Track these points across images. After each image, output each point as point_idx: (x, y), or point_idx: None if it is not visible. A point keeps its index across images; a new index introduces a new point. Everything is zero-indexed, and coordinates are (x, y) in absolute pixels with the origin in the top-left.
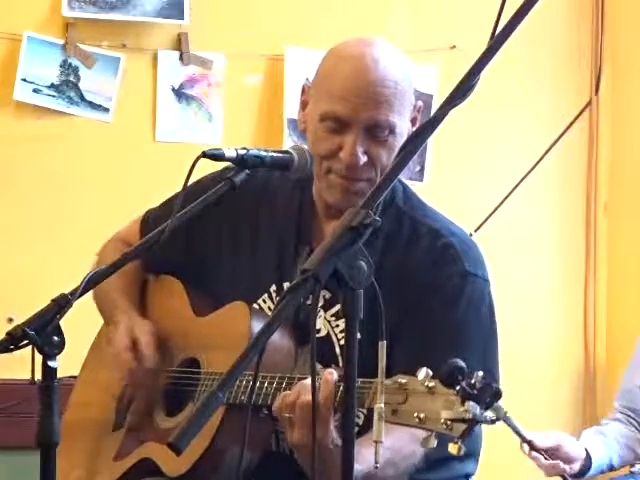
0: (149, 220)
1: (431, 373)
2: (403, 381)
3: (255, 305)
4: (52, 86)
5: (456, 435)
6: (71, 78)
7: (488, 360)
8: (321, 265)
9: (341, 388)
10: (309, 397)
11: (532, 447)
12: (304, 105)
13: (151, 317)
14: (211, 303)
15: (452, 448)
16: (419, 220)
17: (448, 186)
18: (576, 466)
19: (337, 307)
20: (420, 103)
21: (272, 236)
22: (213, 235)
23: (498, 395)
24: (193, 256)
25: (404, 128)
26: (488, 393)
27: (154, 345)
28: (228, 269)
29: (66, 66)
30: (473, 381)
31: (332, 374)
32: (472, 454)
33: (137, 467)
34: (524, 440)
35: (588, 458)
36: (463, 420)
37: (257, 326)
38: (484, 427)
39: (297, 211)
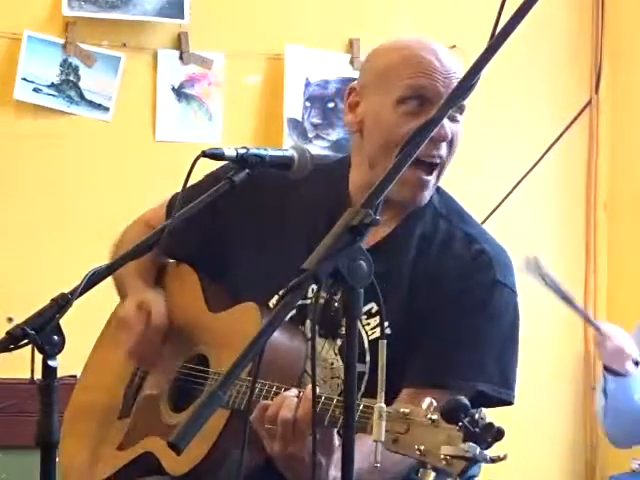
0: (173, 202)
1: (435, 404)
2: (406, 410)
3: (276, 297)
4: (52, 85)
5: (455, 472)
6: (71, 77)
7: (504, 368)
8: (321, 264)
9: (330, 412)
10: (290, 414)
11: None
12: (354, 106)
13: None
14: (228, 298)
15: None
16: (455, 224)
17: (448, 185)
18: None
19: (370, 305)
20: None
21: (300, 232)
22: (237, 231)
23: (500, 435)
24: (215, 251)
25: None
26: (490, 433)
27: (165, 314)
28: (250, 265)
29: (66, 65)
30: (476, 418)
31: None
32: None
33: (139, 460)
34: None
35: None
36: (463, 458)
37: None
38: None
39: (328, 209)
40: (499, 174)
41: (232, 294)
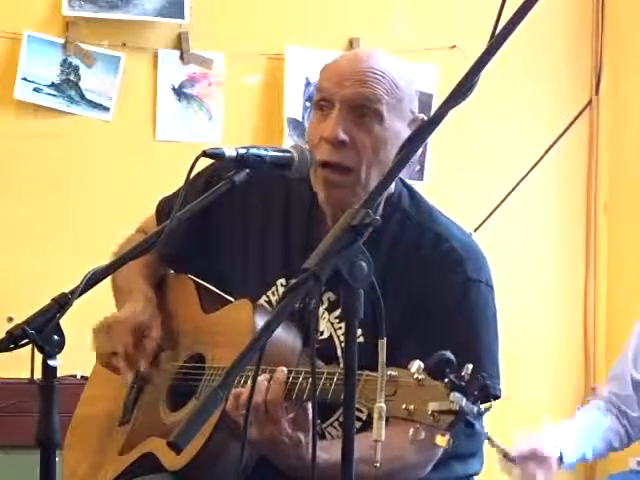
0: (162, 205)
1: (423, 366)
2: (394, 373)
3: (264, 296)
4: (52, 85)
5: (442, 427)
6: (71, 77)
7: (490, 362)
8: (321, 264)
9: (299, 384)
10: (261, 398)
11: (507, 458)
12: None
13: (162, 314)
14: (222, 300)
15: (440, 440)
16: (424, 224)
17: (448, 186)
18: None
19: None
20: (422, 116)
21: (281, 231)
22: (228, 232)
23: (485, 388)
24: (209, 253)
25: (398, 128)
26: (476, 386)
27: (157, 347)
28: (240, 265)
29: (66, 65)
30: (462, 374)
31: (282, 373)
32: (474, 454)
33: (140, 462)
34: (503, 453)
35: (560, 458)
36: (450, 412)
37: (261, 323)
38: (486, 428)
39: (308, 211)
40: (499, 175)
41: (228, 297)
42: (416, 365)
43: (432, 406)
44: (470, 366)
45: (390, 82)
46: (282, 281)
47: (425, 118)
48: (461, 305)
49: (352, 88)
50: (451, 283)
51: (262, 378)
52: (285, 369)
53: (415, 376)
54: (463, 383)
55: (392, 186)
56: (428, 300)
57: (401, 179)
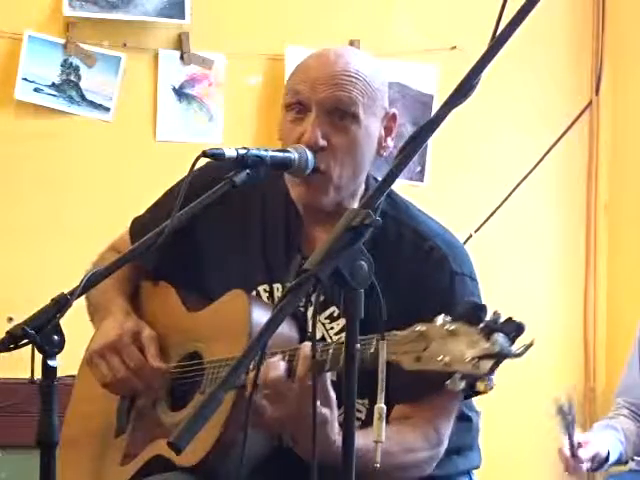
0: (136, 226)
1: (449, 318)
2: (423, 329)
3: None
4: (53, 85)
5: (483, 373)
6: (72, 77)
7: None
8: (321, 265)
9: (331, 352)
10: (276, 373)
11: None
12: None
13: (144, 320)
14: (203, 301)
15: (481, 386)
16: (404, 223)
17: (448, 186)
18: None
19: (331, 309)
20: (393, 111)
21: (263, 236)
22: (208, 234)
23: (521, 329)
24: (192, 263)
25: (372, 127)
26: (513, 326)
27: (157, 342)
28: (223, 267)
29: (67, 65)
30: (494, 316)
31: (307, 347)
32: (471, 447)
33: (148, 467)
34: (571, 443)
35: (606, 457)
36: (490, 356)
37: (256, 313)
38: (484, 424)
39: (284, 208)
40: (500, 175)
41: (208, 298)
42: (441, 318)
43: (470, 353)
44: (498, 310)
45: (364, 82)
46: (265, 287)
47: (396, 112)
48: (448, 302)
49: (327, 93)
50: (437, 281)
51: (277, 358)
52: (309, 343)
53: (446, 327)
54: (500, 325)
55: (363, 185)
56: (415, 299)
57: (374, 177)
